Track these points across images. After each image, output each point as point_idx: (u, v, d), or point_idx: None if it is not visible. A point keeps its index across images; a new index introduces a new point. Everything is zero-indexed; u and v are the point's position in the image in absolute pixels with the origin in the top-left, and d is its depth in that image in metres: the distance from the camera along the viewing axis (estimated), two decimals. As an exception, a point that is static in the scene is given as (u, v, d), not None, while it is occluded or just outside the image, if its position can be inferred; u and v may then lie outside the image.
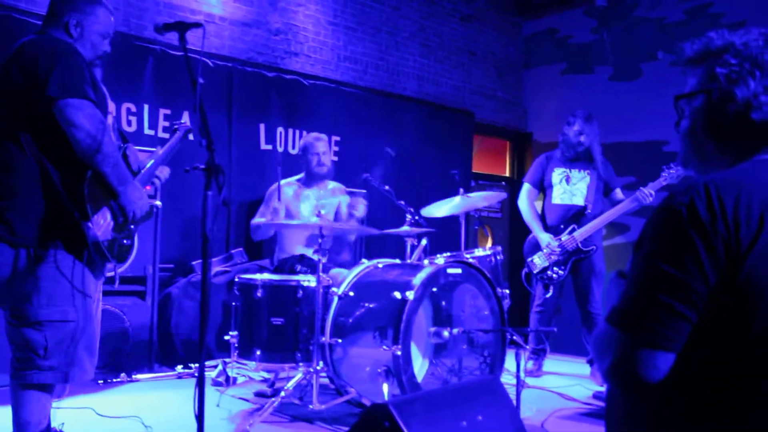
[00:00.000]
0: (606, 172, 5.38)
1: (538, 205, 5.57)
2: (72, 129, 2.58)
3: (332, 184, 5.17)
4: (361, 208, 4.86)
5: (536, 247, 5.33)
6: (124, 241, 2.83)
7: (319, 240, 3.82)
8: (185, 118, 5.65)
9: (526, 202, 5.49)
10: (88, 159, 2.62)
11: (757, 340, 1.31)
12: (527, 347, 5.36)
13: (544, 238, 5.26)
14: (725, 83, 1.48)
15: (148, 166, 3.05)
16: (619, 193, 5.42)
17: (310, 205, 4.95)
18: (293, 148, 6.33)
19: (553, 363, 5.77)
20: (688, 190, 1.35)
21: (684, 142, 1.60)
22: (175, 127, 3.16)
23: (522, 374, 3.68)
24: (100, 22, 2.86)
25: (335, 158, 6.58)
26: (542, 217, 5.46)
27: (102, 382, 4.48)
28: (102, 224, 2.68)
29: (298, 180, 5.13)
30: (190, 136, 3.28)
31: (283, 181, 4.99)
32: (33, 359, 2.62)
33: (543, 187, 5.53)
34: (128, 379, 4.60)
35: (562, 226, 5.27)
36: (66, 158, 2.63)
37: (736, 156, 1.49)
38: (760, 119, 1.46)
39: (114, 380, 4.54)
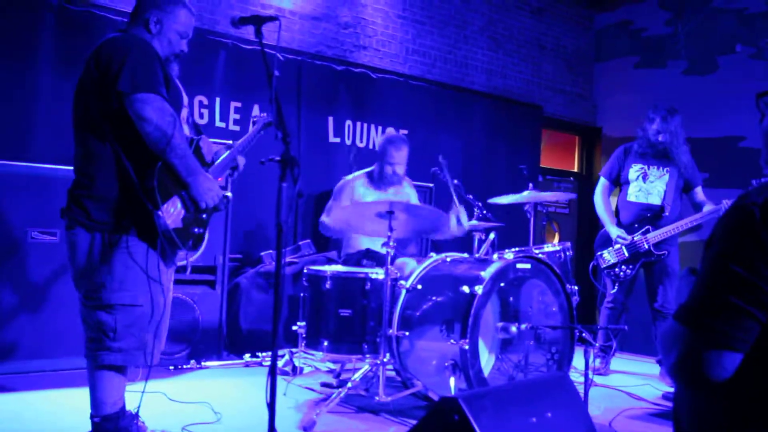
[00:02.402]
0: (688, 171, 5.15)
1: (613, 200, 5.42)
2: (141, 122, 2.67)
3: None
4: (464, 218, 4.52)
5: (608, 241, 5.20)
6: (195, 230, 2.89)
7: (389, 233, 3.82)
8: (256, 111, 5.74)
9: (600, 196, 5.35)
10: (158, 150, 2.70)
11: None
12: (596, 345, 5.27)
13: (614, 231, 5.14)
14: None
15: (222, 157, 3.12)
16: (699, 192, 5.16)
17: (379, 197, 4.83)
18: (361, 141, 6.37)
19: (621, 362, 5.66)
20: (763, 190, 1.33)
21: (765, 141, 1.56)
22: (254, 119, 3.23)
23: (590, 372, 3.63)
24: (179, 22, 2.95)
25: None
26: (617, 213, 5.31)
27: (173, 368, 4.60)
28: (172, 213, 2.76)
29: (368, 175, 4.96)
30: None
31: (350, 176, 4.97)
32: (103, 340, 2.73)
33: (619, 183, 5.34)
34: (198, 365, 4.71)
35: (636, 225, 5.11)
36: (139, 149, 2.72)
37: None
38: None
39: (184, 366, 4.66)
